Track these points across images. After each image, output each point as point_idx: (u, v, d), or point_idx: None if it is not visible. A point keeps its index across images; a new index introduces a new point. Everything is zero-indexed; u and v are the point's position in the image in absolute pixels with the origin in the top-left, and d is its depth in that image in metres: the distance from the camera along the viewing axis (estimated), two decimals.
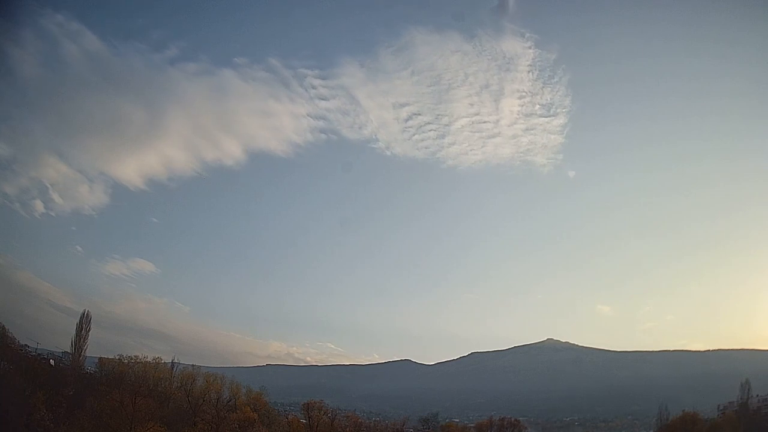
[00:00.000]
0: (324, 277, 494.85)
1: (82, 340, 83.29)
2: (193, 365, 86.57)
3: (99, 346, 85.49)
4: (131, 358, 79.97)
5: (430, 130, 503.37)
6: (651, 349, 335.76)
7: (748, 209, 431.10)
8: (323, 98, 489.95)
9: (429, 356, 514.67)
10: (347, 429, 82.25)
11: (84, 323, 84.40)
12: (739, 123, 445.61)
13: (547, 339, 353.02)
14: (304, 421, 78.56)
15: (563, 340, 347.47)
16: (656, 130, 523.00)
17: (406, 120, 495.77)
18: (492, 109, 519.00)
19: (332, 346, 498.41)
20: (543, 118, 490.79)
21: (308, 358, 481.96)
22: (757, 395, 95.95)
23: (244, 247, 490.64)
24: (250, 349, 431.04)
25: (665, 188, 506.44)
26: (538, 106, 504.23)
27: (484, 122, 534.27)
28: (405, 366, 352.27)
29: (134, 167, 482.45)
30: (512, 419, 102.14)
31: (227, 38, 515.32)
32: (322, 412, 78.36)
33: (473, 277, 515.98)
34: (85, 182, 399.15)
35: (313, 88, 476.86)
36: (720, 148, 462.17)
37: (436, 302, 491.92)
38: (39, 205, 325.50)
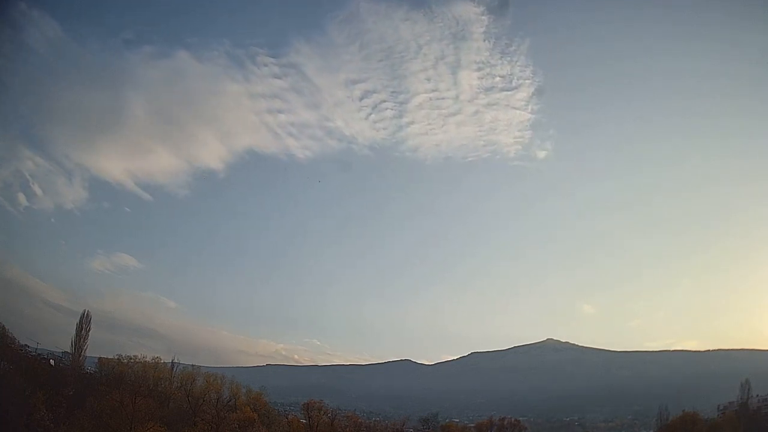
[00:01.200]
0: (324, 277, 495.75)
1: (82, 340, 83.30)
2: (193, 365, 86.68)
3: (92, 344, 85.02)
4: (131, 358, 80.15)
5: (387, 109, 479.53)
6: (651, 349, 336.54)
7: (749, 209, 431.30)
8: (277, 77, 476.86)
9: (429, 356, 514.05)
10: (347, 429, 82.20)
11: (84, 323, 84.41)
12: (732, 120, 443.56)
13: (547, 339, 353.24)
14: (304, 421, 78.58)
15: (563, 340, 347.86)
16: (634, 106, 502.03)
17: (361, 98, 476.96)
18: (450, 83, 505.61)
19: (332, 346, 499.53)
20: (505, 92, 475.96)
21: (308, 358, 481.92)
22: (757, 395, 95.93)
23: (243, 246, 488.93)
24: (249, 349, 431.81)
25: (657, 182, 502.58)
26: (497, 78, 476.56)
27: (443, 98, 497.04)
28: (405, 366, 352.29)
29: (110, 159, 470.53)
30: (512, 419, 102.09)
31: (177, 18, 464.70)
32: (322, 412, 78.36)
33: (471, 276, 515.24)
34: (63, 174, 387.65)
35: (266, 66, 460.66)
36: (719, 145, 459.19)
37: (436, 302, 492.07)
38: (22, 198, 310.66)
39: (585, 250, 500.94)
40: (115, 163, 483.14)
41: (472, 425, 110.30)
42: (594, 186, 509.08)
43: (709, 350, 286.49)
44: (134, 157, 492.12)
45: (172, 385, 76.68)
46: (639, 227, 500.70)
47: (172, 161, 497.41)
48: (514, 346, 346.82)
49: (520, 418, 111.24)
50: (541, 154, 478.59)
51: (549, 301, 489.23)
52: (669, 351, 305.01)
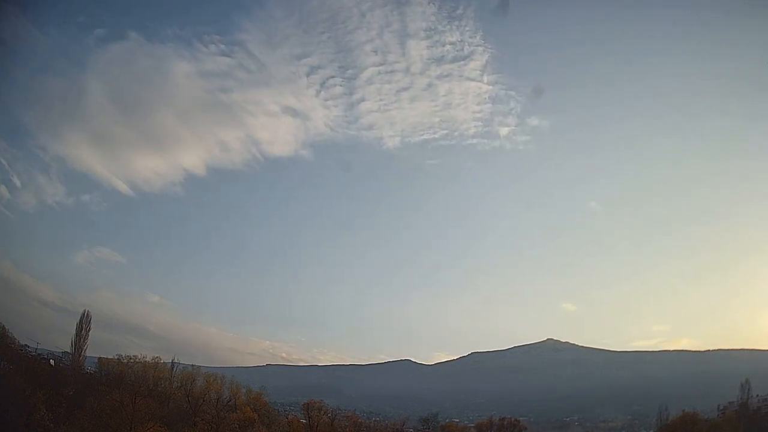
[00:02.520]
0: (324, 277, 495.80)
1: (82, 340, 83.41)
2: (192, 365, 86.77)
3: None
4: (131, 358, 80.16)
5: (336, 86, 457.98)
6: (651, 349, 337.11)
7: (749, 209, 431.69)
8: (224, 54, 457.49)
9: (429, 356, 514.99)
10: (347, 429, 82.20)
11: (84, 323, 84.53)
12: (730, 119, 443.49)
13: (547, 339, 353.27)
14: (304, 421, 78.56)
15: (563, 340, 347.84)
16: (610, 77, 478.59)
17: (308, 75, 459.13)
18: (398, 54, 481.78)
19: (332, 346, 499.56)
20: (457, 63, 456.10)
21: (308, 358, 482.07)
22: (757, 395, 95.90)
23: (240, 245, 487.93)
24: (248, 349, 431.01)
25: (654, 176, 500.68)
26: (447, 46, 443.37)
27: (393, 71, 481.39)
28: (405, 366, 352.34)
29: (81, 148, 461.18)
30: (512, 419, 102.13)
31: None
32: (322, 412, 78.36)
33: (471, 275, 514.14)
34: (41, 167, 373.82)
35: (213, 44, 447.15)
36: (718, 144, 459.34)
37: (436, 302, 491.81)
38: (4, 191, 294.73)
39: (585, 249, 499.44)
40: (87, 152, 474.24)
41: (472, 425, 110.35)
42: (576, 172, 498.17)
43: (709, 350, 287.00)
44: (106, 147, 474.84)
45: (172, 385, 76.72)
46: (637, 226, 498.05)
47: (144, 151, 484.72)
48: (514, 346, 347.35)
49: (520, 418, 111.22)
50: (504, 131, 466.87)
51: (549, 301, 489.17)
52: (669, 351, 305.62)
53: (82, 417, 53.66)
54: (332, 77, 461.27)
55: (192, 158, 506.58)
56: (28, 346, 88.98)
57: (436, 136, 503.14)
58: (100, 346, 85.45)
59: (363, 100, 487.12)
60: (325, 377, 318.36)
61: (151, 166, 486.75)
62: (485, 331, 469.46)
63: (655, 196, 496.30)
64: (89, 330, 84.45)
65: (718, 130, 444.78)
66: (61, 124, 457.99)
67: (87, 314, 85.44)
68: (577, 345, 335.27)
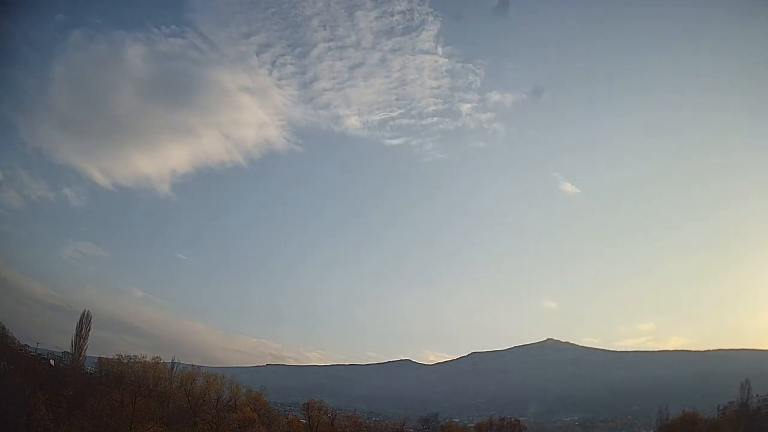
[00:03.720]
0: (323, 277, 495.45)
1: (82, 340, 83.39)
2: (192, 365, 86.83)
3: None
4: (131, 358, 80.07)
5: (287, 65, 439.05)
6: (651, 349, 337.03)
7: (749, 208, 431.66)
8: (177, 35, 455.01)
9: (429, 356, 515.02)
10: (347, 429, 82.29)
11: (84, 323, 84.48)
12: (727, 115, 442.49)
13: (547, 339, 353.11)
14: (304, 421, 78.63)
15: (563, 340, 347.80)
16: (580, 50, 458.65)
17: (258, 54, 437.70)
18: (347, 28, 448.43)
19: (332, 346, 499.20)
20: (408, 35, 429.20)
21: (308, 358, 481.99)
22: (757, 395, 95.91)
23: (237, 244, 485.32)
24: (248, 349, 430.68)
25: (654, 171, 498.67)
26: (396, 16, 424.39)
27: (343, 47, 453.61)
28: (405, 366, 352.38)
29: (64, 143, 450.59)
30: (512, 419, 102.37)
31: None
32: (322, 412, 78.43)
33: (471, 275, 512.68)
34: (22, 160, 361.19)
35: (165, 25, 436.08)
36: (718, 140, 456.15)
37: (436, 302, 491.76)
38: None
39: (564, 241, 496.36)
40: (62, 143, 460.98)
41: (472, 425, 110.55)
42: (548, 153, 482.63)
43: (709, 350, 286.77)
44: (78, 137, 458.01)
45: (172, 385, 76.71)
46: (635, 224, 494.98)
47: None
48: (514, 346, 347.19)
49: (520, 418, 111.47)
50: (465, 108, 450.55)
51: (549, 301, 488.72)
52: (669, 351, 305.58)
53: (82, 417, 53.66)
54: (282, 56, 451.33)
55: (161, 144, 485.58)
56: (28, 346, 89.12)
57: (394, 114, 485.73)
58: (93, 345, 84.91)
59: (316, 78, 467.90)
60: (325, 377, 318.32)
61: (124, 158, 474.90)
62: (485, 331, 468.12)
63: (653, 189, 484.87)
64: (89, 330, 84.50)
65: (708, 124, 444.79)
66: (34, 115, 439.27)
67: (87, 314, 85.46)
68: (577, 345, 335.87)
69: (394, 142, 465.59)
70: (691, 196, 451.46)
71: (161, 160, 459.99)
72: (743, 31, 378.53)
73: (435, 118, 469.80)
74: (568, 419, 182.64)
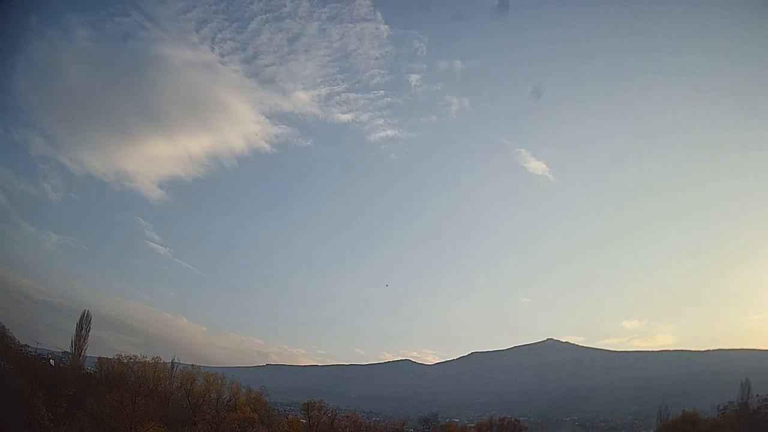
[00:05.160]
0: (324, 278, 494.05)
1: (82, 340, 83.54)
2: (192, 365, 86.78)
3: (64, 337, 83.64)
4: (131, 358, 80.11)
5: (227, 40, 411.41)
6: (651, 349, 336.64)
7: (749, 208, 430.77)
8: (122, 14, 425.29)
9: (429, 356, 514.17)
10: (347, 429, 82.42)
11: (84, 323, 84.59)
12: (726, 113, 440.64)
13: (547, 339, 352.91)
14: (304, 421, 78.70)
15: (563, 340, 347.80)
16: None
17: (197, 30, 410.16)
18: None
19: (332, 345, 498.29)
20: (343, 1, 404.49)
21: (308, 358, 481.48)
22: (757, 395, 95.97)
23: (235, 242, 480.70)
24: (248, 348, 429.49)
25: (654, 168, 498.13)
26: None
27: (280, 18, 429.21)
28: (405, 366, 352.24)
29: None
30: (512, 419, 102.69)
31: None
32: (322, 412, 78.51)
33: (471, 275, 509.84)
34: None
35: (110, 5, 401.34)
36: (719, 139, 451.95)
37: (436, 302, 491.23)
38: None
39: (585, 248, 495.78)
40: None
41: (472, 425, 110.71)
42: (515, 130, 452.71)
43: (709, 350, 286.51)
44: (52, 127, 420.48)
45: (172, 385, 76.79)
46: (634, 222, 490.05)
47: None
48: (514, 346, 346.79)
49: (520, 418, 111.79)
50: (414, 79, 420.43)
51: (549, 300, 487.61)
52: (669, 351, 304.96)
53: (82, 417, 53.76)
54: (221, 31, 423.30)
55: (129, 128, 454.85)
56: (28, 346, 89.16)
57: (339, 88, 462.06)
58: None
59: (257, 53, 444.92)
60: (325, 377, 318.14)
61: (95, 145, 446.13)
62: (485, 331, 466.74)
63: (653, 187, 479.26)
64: (89, 330, 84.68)
65: (708, 123, 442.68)
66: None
67: (87, 314, 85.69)
68: (577, 345, 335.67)
69: (344, 117, 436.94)
70: (690, 197, 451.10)
71: (134, 147, 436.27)
72: (743, 31, 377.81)
73: (382, 91, 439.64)
74: (568, 419, 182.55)
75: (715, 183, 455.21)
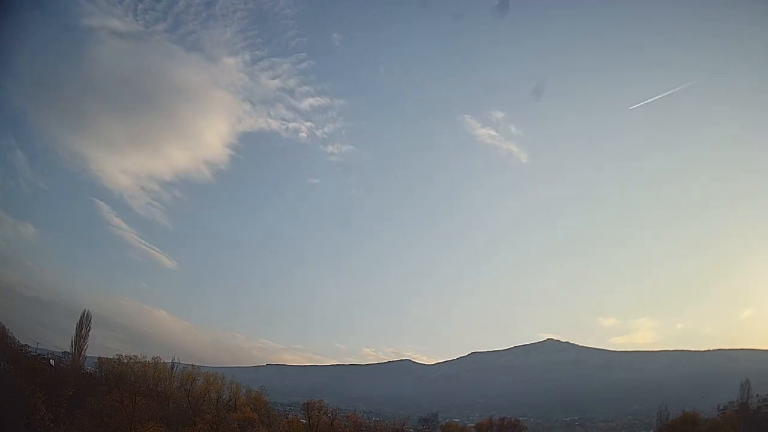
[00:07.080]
0: (323, 277, 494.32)
1: (82, 340, 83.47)
2: (192, 365, 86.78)
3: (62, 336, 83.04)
4: (131, 358, 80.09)
5: (147, 11, 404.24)
6: (651, 349, 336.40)
7: (749, 207, 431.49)
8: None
9: (429, 356, 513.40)
10: (347, 429, 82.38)
11: (84, 323, 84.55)
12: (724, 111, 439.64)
13: (547, 339, 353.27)
14: (304, 421, 78.64)
15: (563, 340, 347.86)
16: None
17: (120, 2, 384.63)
18: None
19: (331, 345, 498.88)
20: None
21: (308, 358, 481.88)
22: (757, 395, 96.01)
23: (234, 239, 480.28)
24: (248, 348, 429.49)
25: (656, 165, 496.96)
26: None
27: None
28: (405, 366, 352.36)
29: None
30: (512, 419, 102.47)
31: None
32: (322, 412, 78.43)
33: (471, 274, 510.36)
34: None
35: None
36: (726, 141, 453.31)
37: (436, 302, 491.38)
38: None
39: (584, 245, 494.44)
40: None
41: (472, 425, 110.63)
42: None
43: (709, 350, 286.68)
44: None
45: (172, 385, 76.73)
46: (634, 222, 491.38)
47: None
48: (514, 346, 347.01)
49: (520, 418, 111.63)
50: (336, 37, 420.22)
51: (549, 300, 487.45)
52: (669, 351, 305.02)
53: (82, 417, 53.71)
54: (147, 10, 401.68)
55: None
56: (28, 346, 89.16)
57: (262, 53, 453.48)
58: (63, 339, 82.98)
59: (179, 22, 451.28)
60: (325, 377, 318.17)
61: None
62: (485, 331, 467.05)
63: (652, 186, 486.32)
64: (89, 330, 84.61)
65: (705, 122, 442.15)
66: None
67: (87, 314, 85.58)
68: (577, 345, 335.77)
69: (272, 83, 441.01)
70: (692, 195, 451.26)
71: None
72: (743, 27, 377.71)
73: (303, 53, 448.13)
74: (568, 419, 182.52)
75: (716, 181, 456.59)
